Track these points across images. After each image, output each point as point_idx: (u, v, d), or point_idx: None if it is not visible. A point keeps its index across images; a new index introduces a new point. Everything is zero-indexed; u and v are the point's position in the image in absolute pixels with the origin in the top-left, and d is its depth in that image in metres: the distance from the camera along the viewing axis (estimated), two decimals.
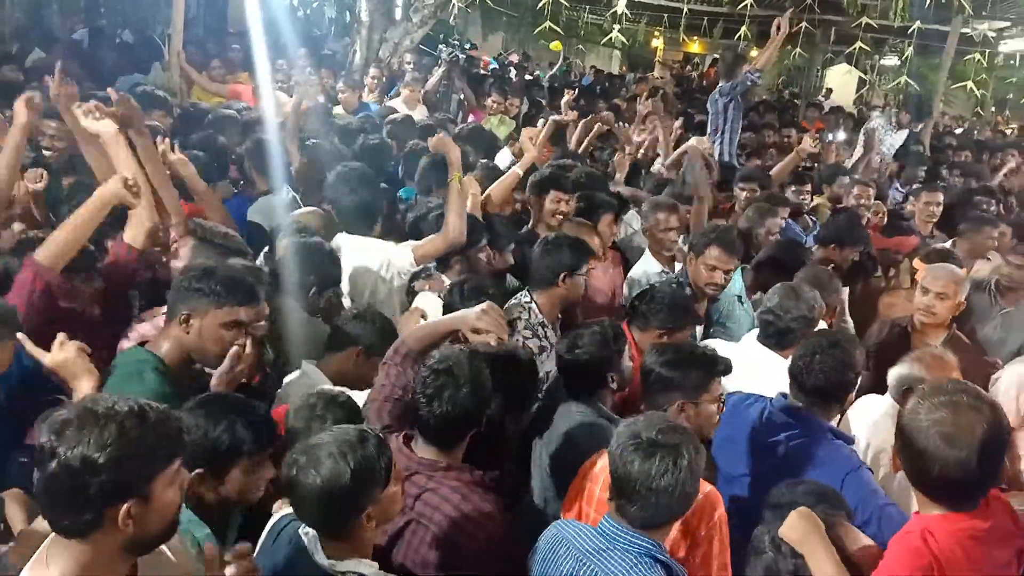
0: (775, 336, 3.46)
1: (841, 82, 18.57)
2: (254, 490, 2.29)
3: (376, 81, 8.55)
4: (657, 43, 20.35)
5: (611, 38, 11.16)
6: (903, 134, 8.01)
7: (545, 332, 3.55)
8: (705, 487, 2.51)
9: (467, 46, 14.96)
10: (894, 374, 3.23)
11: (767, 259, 4.64)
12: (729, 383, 2.98)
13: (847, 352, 2.88)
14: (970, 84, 11.23)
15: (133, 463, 1.58)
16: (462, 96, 9.01)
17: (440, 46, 9.53)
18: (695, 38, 18.10)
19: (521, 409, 2.89)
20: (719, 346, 3.62)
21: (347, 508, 2.01)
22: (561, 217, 4.46)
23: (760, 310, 3.59)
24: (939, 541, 1.91)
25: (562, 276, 3.55)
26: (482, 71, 15.25)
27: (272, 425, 2.39)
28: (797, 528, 1.95)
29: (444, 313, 3.22)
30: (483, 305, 2.57)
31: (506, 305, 3.54)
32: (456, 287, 3.35)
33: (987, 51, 12.02)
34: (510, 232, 4.40)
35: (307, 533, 2.06)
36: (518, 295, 3.68)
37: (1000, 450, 1.92)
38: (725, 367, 2.75)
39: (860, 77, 18.45)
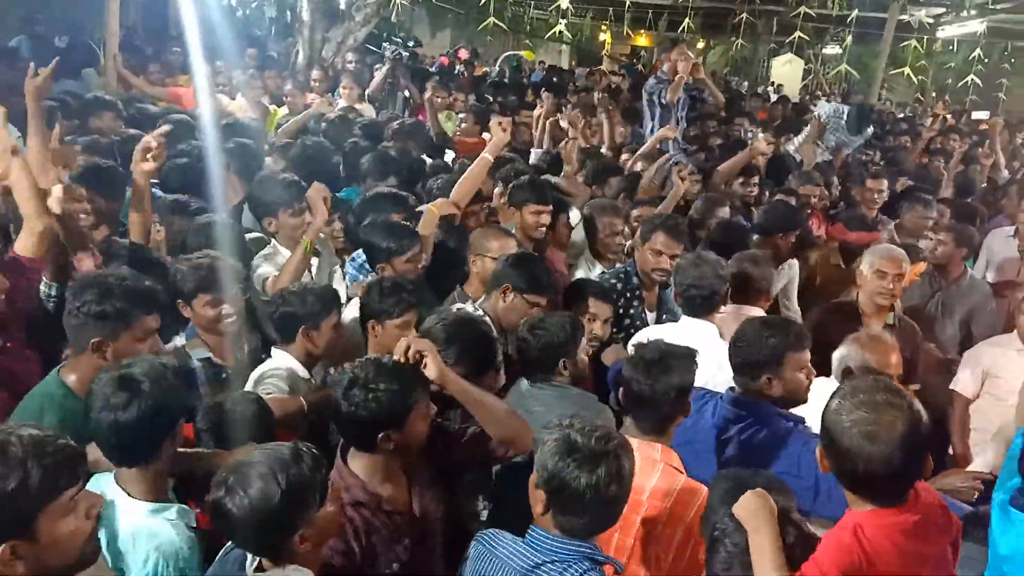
0: (701, 304, 3.58)
1: (786, 72, 18.84)
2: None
3: (320, 83, 8.43)
4: (605, 37, 20.45)
5: (556, 32, 11.14)
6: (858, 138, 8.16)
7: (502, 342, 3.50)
8: (677, 479, 2.55)
9: (411, 43, 14.82)
10: (837, 356, 3.27)
11: (711, 244, 4.66)
12: None
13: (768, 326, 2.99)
14: (907, 70, 11.45)
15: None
16: (408, 94, 8.94)
17: (385, 44, 9.40)
18: (641, 32, 18.22)
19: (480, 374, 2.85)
20: (658, 330, 3.72)
21: (277, 530, 1.93)
22: (543, 230, 4.36)
23: (679, 289, 3.66)
24: (869, 536, 1.93)
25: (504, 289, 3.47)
26: (430, 69, 15.20)
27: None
28: (748, 507, 1.96)
29: (362, 314, 3.23)
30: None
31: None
32: (375, 286, 3.28)
33: (925, 37, 12.28)
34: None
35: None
36: (464, 306, 3.55)
37: (921, 445, 1.95)
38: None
39: (805, 67, 18.75)
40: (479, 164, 4.30)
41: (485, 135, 6.78)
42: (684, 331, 3.54)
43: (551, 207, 4.39)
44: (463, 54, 17.24)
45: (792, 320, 3.47)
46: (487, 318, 3.37)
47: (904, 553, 1.93)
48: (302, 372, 3.14)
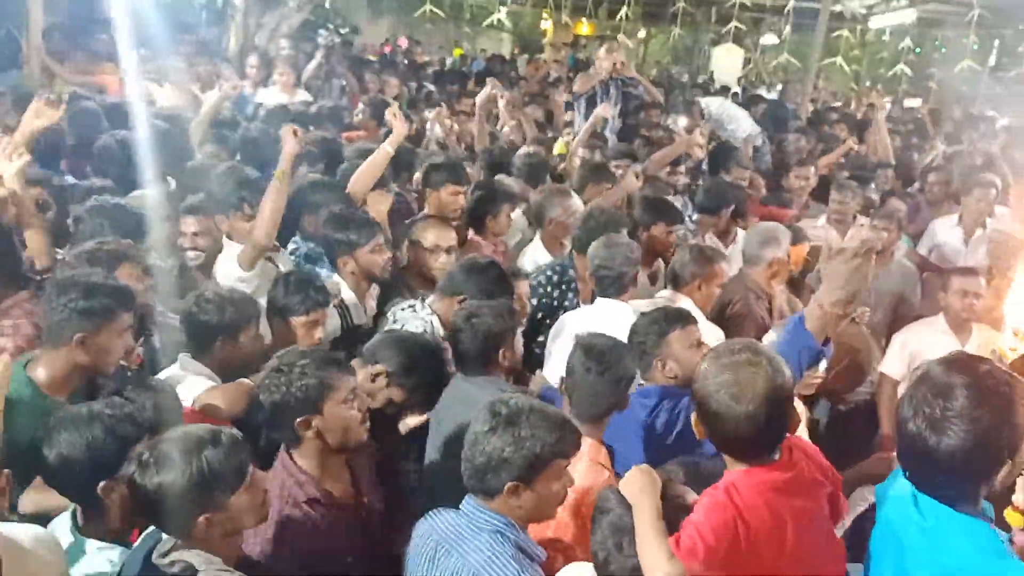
0: (612, 286, 3.65)
1: (726, 62, 19.05)
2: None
3: (256, 71, 8.24)
4: (547, 26, 20.41)
5: (494, 20, 11.05)
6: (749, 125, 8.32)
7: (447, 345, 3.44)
8: (602, 474, 2.55)
9: (343, 31, 14.60)
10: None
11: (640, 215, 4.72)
12: None
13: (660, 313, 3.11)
14: (839, 60, 11.66)
15: None
16: (344, 82, 8.80)
17: (321, 31, 9.22)
18: (583, 20, 18.22)
19: (427, 403, 2.89)
20: (575, 313, 3.80)
21: (182, 510, 1.91)
22: (459, 211, 4.34)
23: (591, 269, 3.71)
24: (742, 494, 1.98)
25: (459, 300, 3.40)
26: (371, 57, 14.99)
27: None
28: (634, 483, 1.99)
29: (268, 309, 3.17)
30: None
31: (399, 317, 3.42)
32: (281, 281, 3.19)
33: (858, 27, 12.51)
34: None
35: None
36: (415, 304, 3.48)
37: (783, 400, 2.01)
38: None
39: (745, 56, 18.96)
40: (378, 155, 4.24)
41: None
42: (599, 312, 3.60)
43: (465, 187, 4.40)
44: (403, 42, 17.06)
45: (670, 306, 3.51)
46: (435, 319, 3.33)
47: (777, 509, 1.99)
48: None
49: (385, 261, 3.61)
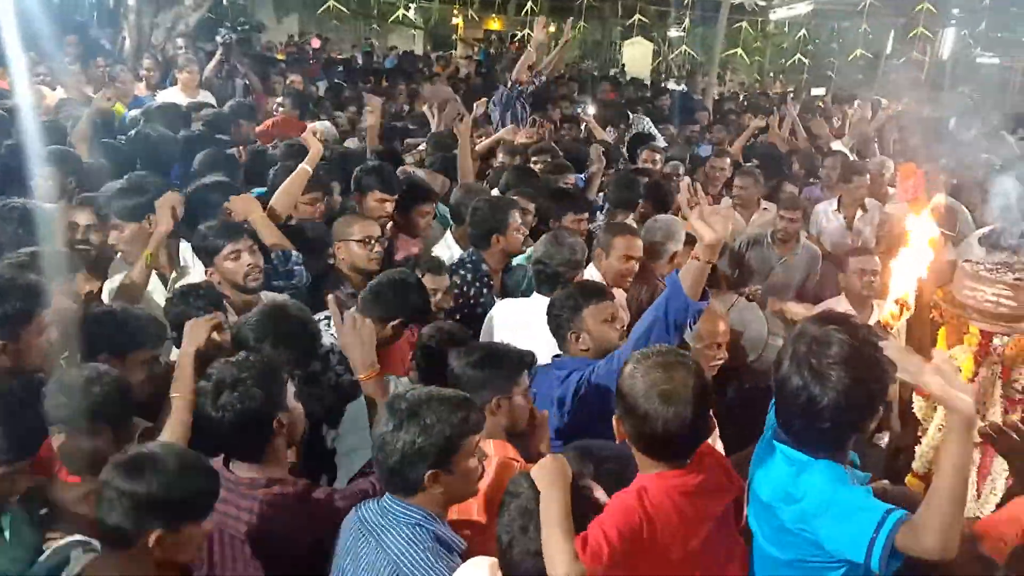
0: (547, 282, 3.64)
1: (635, 55, 19.35)
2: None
3: (152, 72, 7.96)
4: (457, 21, 20.33)
5: (399, 16, 10.95)
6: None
7: None
8: (507, 451, 2.54)
9: (245, 27, 14.23)
10: None
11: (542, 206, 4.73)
12: (523, 336, 3.13)
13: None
14: (740, 51, 11.99)
15: None
16: (247, 80, 8.57)
17: (220, 29, 8.95)
18: (493, 15, 18.24)
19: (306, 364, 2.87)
20: (506, 306, 3.77)
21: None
22: (384, 217, 4.25)
23: (531, 262, 3.74)
24: (652, 497, 2.00)
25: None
26: (279, 56, 14.67)
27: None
28: (545, 473, 1.99)
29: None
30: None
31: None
32: (175, 294, 3.09)
33: (759, 20, 12.88)
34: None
35: None
36: (329, 319, 3.26)
37: (708, 403, 2.05)
38: (531, 359, 2.76)
39: (655, 49, 19.30)
40: (298, 175, 4.07)
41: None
42: (531, 306, 3.56)
43: (396, 196, 4.33)
44: (315, 42, 16.76)
45: (588, 281, 3.60)
46: None
47: (684, 512, 2.03)
48: None
49: (248, 268, 3.37)
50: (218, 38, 8.37)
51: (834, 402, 1.90)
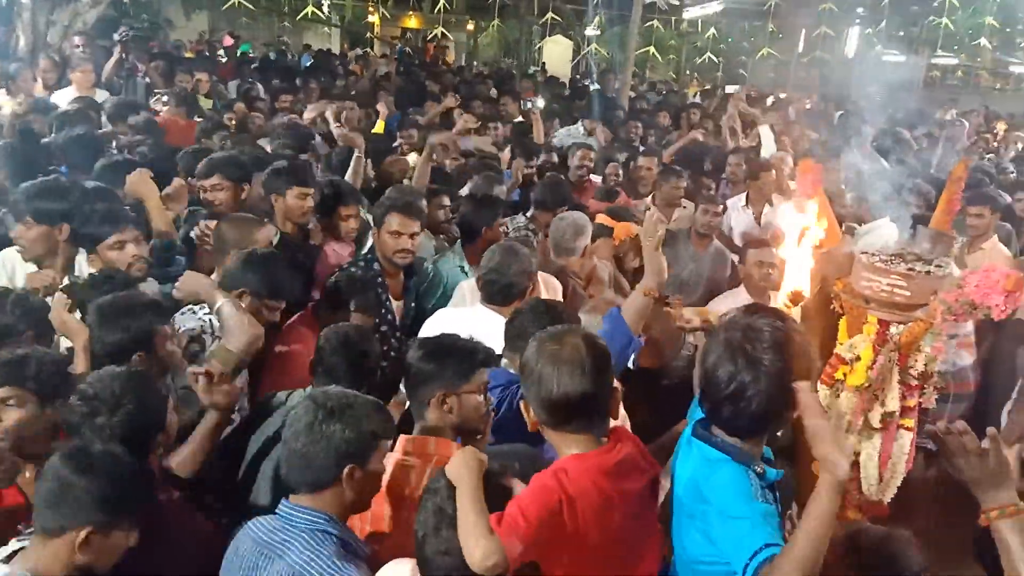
0: (499, 294, 3.48)
1: (556, 53, 19.47)
2: None
3: (48, 73, 7.58)
4: (374, 19, 20.08)
5: (309, 13, 10.73)
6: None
7: None
8: (450, 450, 2.46)
9: (144, 25, 13.76)
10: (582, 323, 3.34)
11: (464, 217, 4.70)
12: None
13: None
14: (652, 50, 12.17)
15: None
16: (148, 79, 8.26)
17: (122, 27, 8.60)
18: (409, 13, 18.07)
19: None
20: (446, 316, 3.63)
21: None
22: (307, 214, 4.19)
23: (481, 272, 3.59)
24: (572, 477, 2.02)
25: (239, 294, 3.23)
26: (188, 54, 14.22)
27: None
28: (456, 462, 1.99)
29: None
30: None
31: (178, 320, 3.21)
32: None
33: (672, 18, 13.08)
34: None
35: None
36: (193, 306, 3.25)
37: (604, 370, 2.13)
38: (486, 356, 2.68)
39: (574, 48, 19.44)
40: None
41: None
42: (475, 318, 3.44)
43: (312, 188, 4.26)
44: (227, 40, 16.31)
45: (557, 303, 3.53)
46: (213, 317, 3.14)
47: (605, 490, 2.06)
48: None
49: (133, 259, 3.37)
50: (116, 36, 8.03)
51: (765, 387, 1.96)
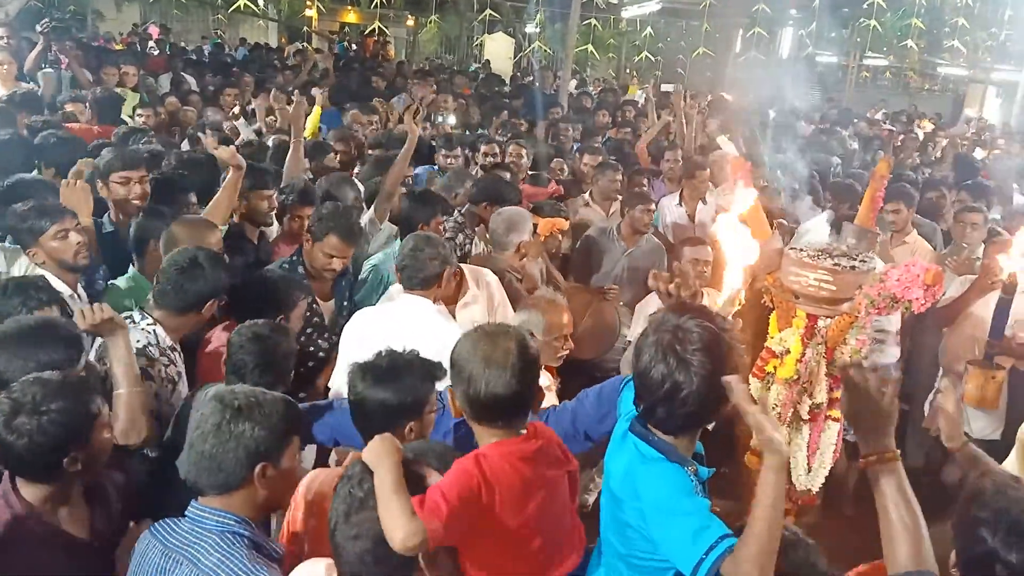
0: (416, 278, 3.50)
1: (497, 50, 19.45)
2: None
3: None
4: (311, 13, 19.77)
5: (240, 6, 10.50)
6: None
7: (174, 356, 3.18)
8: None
9: (70, 16, 13.33)
10: (518, 321, 3.34)
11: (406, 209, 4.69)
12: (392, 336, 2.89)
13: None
14: (590, 48, 12.25)
15: None
16: (71, 72, 7.98)
17: (46, 20, 8.28)
18: (348, 7, 17.84)
19: None
20: (371, 312, 3.61)
21: None
22: (138, 201, 4.07)
23: (397, 261, 3.60)
24: (491, 462, 2.07)
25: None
26: (118, 46, 13.81)
27: None
28: (373, 449, 1.97)
29: None
30: None
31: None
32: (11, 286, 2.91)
33: (611, 17, 13.18)
34: None
35: None
36: (132, 314, 3.14)
37: (532, 370, 2.19)
38: (442, 371, 2.52)
39: (516, 45, 19.45)
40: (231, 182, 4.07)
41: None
42: (400, 307, 3.48)
43: (273, 190, 4.29)
44: (154, 31, 15.86)
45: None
46: (157, 327, 3.08)
47: (525, 475, 2.12)
48: None
49: (78, 246, 3.36)
50: (38, 27, 7.75)
51: (698, 387, 1.97)
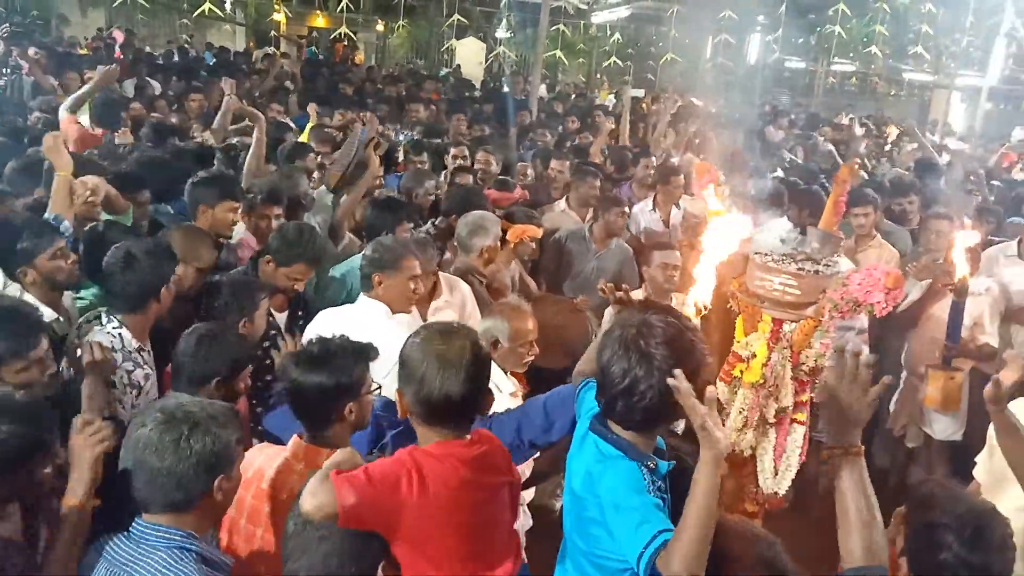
0: (364, 279, 3.55)
1: (468, 54, 19.43)
2: None
3: None
4: (279, 17, 19.63)
5: (205, 10, 10.40)
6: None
7: (143, 357, 3.13)
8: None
9: (30, 20, 13.13)
10: (482, 328, 3.30)
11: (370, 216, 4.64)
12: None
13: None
14: (558, 53, 12.29)
15: None
16: (33, 77, 7.84)
17: (6, 24, 8.13)
18: (316, 11, 17.73)
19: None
20: (330, 314, 3.58)
21: None
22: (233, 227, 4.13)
23: (359, 264, 3.62)
24: (430, 457, 2.07)
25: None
26: (84, 51, 13.60)
27: None
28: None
29: None
30: None
31: (83, 329, 3.10)
32: None
33: (581, 22, 13.23)
34: None
35: None
36: (100, 315, 3.11)
37: (483, 374, 2.17)
38: (374, 351, 2.60)
39: (487, 50, 19.47)
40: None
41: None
42: (358, 310, 3.48)
43: (240, 202, 4.19)
44: (118, 35, 15.64)
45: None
46: (123, 331, 3.04)
47: (462, 477, 2.08)
48: None
49: (69, 265, 3.29)
50: None
51: (658, 382, 1.97)
